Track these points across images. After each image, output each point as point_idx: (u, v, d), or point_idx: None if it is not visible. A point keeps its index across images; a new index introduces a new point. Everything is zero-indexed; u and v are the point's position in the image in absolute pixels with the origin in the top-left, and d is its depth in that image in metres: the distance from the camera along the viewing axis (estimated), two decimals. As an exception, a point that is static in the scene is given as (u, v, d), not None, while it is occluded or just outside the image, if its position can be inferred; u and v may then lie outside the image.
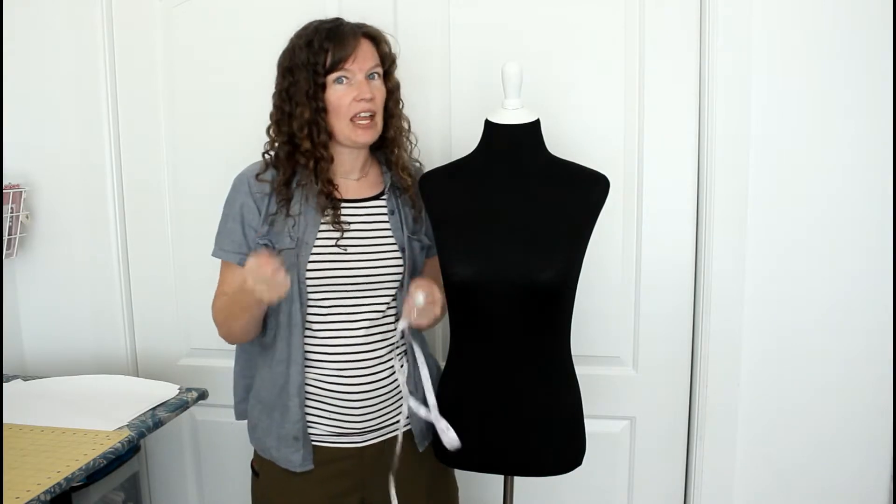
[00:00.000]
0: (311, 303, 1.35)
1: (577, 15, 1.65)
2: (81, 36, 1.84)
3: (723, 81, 1.59)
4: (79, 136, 1.88)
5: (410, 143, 1.44)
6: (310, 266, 1.32)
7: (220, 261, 1.41)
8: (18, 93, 1.88)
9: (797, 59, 1.58)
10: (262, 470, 1.43)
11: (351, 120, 1.30)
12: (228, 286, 1.37)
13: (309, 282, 1.33)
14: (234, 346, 1.48)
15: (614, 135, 1.68)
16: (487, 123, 1.36)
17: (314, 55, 1.28)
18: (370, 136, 1.33)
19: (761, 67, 1.58)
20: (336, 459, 1.38)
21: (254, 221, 1.34)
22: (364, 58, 1.30)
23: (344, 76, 1.29)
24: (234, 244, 1.36)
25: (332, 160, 1.34)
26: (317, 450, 1.38)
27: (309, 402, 1.37)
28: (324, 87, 1.29)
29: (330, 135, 1.32)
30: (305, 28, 1.32)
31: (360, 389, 1.36)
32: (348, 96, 1.29)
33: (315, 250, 1.32)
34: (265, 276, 1.14)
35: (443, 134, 1.72)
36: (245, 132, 1.64)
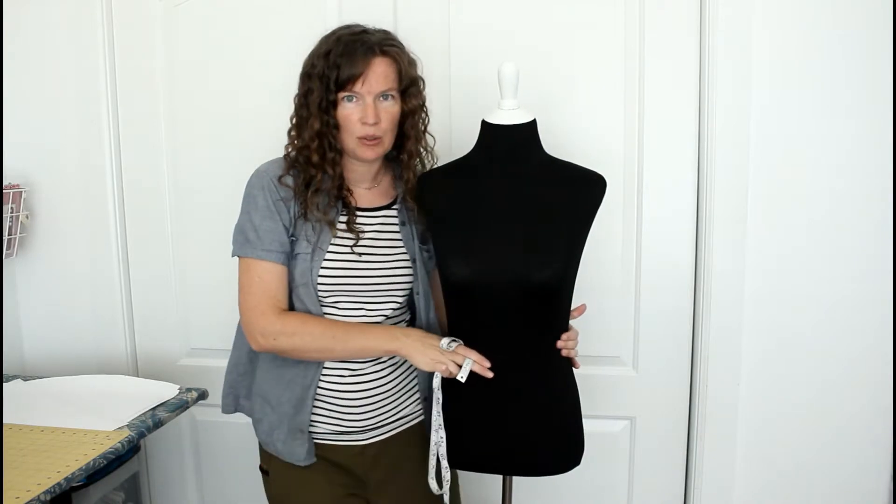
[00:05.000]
0: (325, 305, 1.35)
1: (578, 15, 1.65)
2: (81, 36, 1.84)
3: (723, 82, 1.59)
4: (79, 136, 1.88)
5: (431, 162, 1.43)
6: (322, 272, 1.32)
7: (233, 260, 1.36)
8: (18, 93, 1.88)
9: (797, 60, 1.58)
10: (271, 468, 1.42)
11: (358, 138, 1.29)
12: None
13: (320, 287, 1.33)
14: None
15: (615, 135, 1.68)
16: (484, 124, 1.36)
17: (328, 69, 1.26)
18: (374, 154, 1.31)
19: (761, 67, 1.58)
20: (338, 456, 1.39)
21: (286, 220, 1.31)
22: (375, 80, 1.27)
23: (353, 95, 1.28)
24: (276, 243, 1.31)
25: (340, 175, 1.33)
26: (318, 447, 1.39)
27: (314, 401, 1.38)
28: (335, 102, 1.28)
29: (341, 151, 1.32)
30: (330, 34, 1.30)
31: (362, 388, 1.37)
32: (355, 116, 1.28)
33: (328, 255, 1.33)
34: (466, 366, 1.25)
35: (443, 134, 1.71)
36: (245, 132, 1.65)
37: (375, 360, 1.38)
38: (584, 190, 1.34)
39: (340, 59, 1.26)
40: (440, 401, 1.30)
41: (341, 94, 1.27)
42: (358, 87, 1.27)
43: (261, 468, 1.46)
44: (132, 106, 1.87)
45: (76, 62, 1.85)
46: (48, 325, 1.97)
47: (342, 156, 1.33)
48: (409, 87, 1.34)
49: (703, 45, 1.61)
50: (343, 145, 1.31)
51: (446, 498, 1.33)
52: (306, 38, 1.33)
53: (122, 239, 1.92)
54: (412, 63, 1.34)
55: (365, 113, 1.27)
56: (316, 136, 1.29)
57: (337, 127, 1.29)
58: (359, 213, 1.36)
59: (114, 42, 1.85)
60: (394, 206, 1.41)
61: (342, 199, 1.35)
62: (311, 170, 1.31)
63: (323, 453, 1.39)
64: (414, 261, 1.41)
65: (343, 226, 1.34)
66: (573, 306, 1.38)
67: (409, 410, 1.46)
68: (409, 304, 1.47)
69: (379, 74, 1.28)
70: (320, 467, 1.38)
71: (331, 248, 1.33)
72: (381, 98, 1.29)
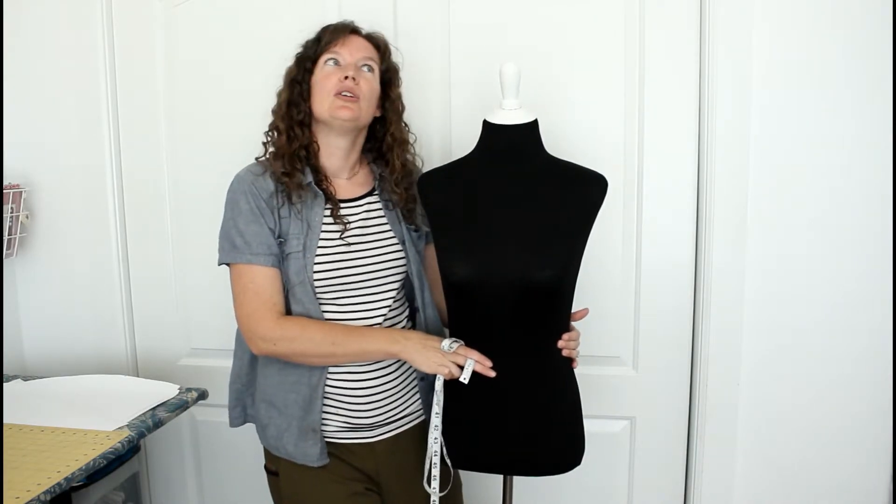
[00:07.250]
0: (324, 302, 1.35)
1: (578, 15, 1.65)
2: (81, 36, 1.84)
3: (723, 81, 1.59)
4: (79, 136, 1.88)
5: (411, 154, 1.45)
6: (316, 267, 1.33)
7: (225, 265, 1.36)
8: (18, 93, 1.88)
9: (797, 60, 1.58)
10: (280, 468, 1.42)
11: (335, 94, 1.31)
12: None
13: (317, 283, 1.33)
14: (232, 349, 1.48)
15: (615, 135, 1.68)
16: (485, 124, 1.36)
17: (310, 45, 1.36)
18: (350, 113, 1.32)
19: (761, 67, 1.58)
20: (349, 454, 1.40)
21: (270, 222, 1.32)
22: (356, 46, 1.34)
23: (335, 58, 1.33)
24: (264, 246, 1.31)
25: (307, 143, 1.35)
26: (329, 445, 1.39)
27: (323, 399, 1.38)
28: (312, 70, 1.34)
29: (310, 116, 1.35)
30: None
31: (370, 383, 1.38)
32: (335, 75, 1.32)
33: (320, 251, 1.33)
34: (468, 366, 1.25)
35: (443, 134, 1.72)
36: (246, 132, 1.64)
37: None
38: (586, 190, 1.34)
39: (321, 33, 1.35)
40: (440, 403, 1.30)
41: (323, 58, 1.33)
42: (338, 47, 1.33)
43: (266, 468, 1.46)
44: (132, 106, 1.87)
45: (76, 62, 1.85)
46: (48, 325, 1.97)
47: (312, 121, 1.36)
48: (392, 77, 1.40)
49: (703, 45, 1.61)
50: (317, 111, 1.34)
51: (434, 498, 1.32)
52: (306, 38, 1.34)
53: (122, 239, 1.92)
54: (391, 55, 1.41)
55: (345, 70, 1.32)
56: (284, 104, 1.35)
57: (309, 94, 1.34)
58: (342, 204, 1.37)
59: (114, 42, 1.85)
60: (374, 192, 1.43)
61: (323, 190, 1.35)
62: (281, 138, 1.34)
63: (334, 452, 1.39)
64: (403, 242, 1.42)
65: (329, 218, 1.35)
66: (575, 307, 1.38)
67: (416, 407, 1.47)
68: (408, 297, 1.47)
69: (360, 45, 1.35)
70: (332, 466, 1.38)
71: (321, 242, 1.33)
72: (363, 68, 1.35)
